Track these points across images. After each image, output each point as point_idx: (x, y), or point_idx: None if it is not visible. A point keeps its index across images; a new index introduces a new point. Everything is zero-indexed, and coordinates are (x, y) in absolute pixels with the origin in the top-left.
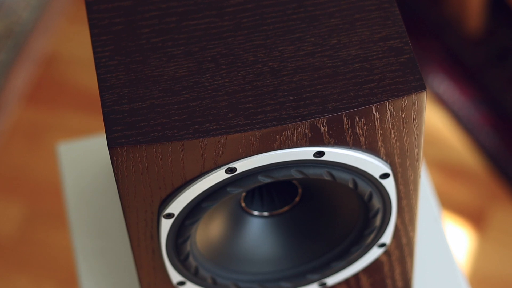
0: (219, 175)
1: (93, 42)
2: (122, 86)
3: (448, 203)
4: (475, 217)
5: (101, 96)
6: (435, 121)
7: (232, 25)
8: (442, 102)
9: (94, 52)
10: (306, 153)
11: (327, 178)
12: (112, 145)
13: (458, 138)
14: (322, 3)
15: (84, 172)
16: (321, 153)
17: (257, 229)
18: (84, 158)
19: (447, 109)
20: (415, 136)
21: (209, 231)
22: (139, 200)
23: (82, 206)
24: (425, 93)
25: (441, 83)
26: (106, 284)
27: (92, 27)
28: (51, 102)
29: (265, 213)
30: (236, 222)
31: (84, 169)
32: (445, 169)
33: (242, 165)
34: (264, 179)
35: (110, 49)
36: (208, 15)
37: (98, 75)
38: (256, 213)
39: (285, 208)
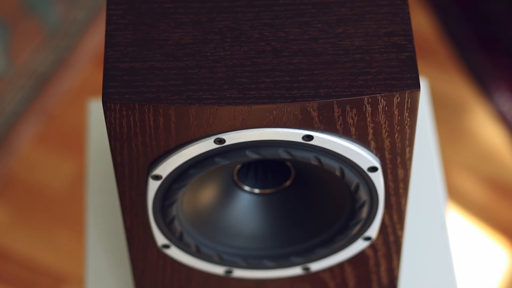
0: (207, 144)
1: None
2: (127, 45)
3: (493, 221)
4: None
5: (105, 52)
6: (495, 138)
7: (244, 1)
8: (505, 120)
9: (108, 9)
10: (295, 135)
11: (314, 162)
12: (106, 99)
13: None
14: None
15: None
16: (310, 137)
17: (246, 205)
18: None
19: (509, 128)
20: (407, 134)
21: (198, 199)
22: (129, 158)
23: (102, 162)
24: (418, 92)
25: (506, 102)
26: (110, 240)
27: None
28: None
29: (256, 190)
30: (226, 194)
31: None
32: (496, 187)
33: (231, 138)
34: (251, 155)
35: (123, 8)
36: None
37: (107, 31)
38: (247, 188)
39: (276, 189)
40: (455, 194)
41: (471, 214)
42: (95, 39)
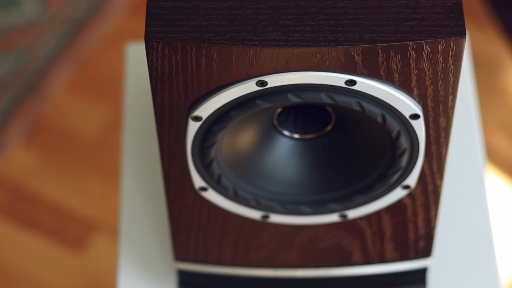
0: (249, 86)
1: None
2: None
3: None
4: None
5: None
6: None
7: None
8: None
9: None
10: (337, 79)
11: (356, 108)
12: (148, 38)
13: None
14: None
15: (146, 74)
16: (352, 82)
17: (285, 150)
18: None
19: None
20: (451, 83)
21: (237, 142)
22: (169, 98)
23: (138, 106)
24: (464, 39)
25: None
26: (144, 184)
27: None
28: None
29: (296, 135)
30: (265, 138)
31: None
32: None
33: (273, 80)
34: (293, 98)
35: None
36: None
37: None
38: (287, 133)
39: (316, 134)
40: (490, 153)
41: (507, 174)
42: None
